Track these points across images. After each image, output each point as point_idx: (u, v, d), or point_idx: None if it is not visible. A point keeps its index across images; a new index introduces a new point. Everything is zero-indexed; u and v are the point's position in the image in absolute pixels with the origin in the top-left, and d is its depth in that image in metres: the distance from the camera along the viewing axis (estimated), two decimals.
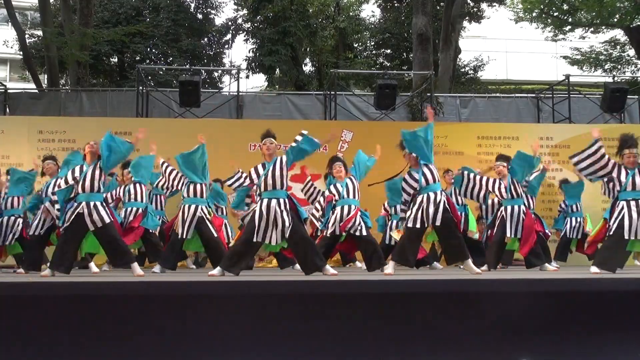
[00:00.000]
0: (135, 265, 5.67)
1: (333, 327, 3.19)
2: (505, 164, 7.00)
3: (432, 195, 5.63)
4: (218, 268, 5.44)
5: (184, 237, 6.49)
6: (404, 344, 3.24)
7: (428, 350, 3.23)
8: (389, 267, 5.78)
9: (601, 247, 6.08)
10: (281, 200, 5.40)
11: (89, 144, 5.71)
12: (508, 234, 6.78)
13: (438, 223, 5.60)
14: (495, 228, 6.96)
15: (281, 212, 5.35)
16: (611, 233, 5.78)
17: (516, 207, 6.80)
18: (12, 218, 7.06)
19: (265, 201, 5.39)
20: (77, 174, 5.56)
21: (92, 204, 5.45)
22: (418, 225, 5.66)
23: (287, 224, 5.34)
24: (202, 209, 6.53)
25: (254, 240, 5.40)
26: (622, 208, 5.70)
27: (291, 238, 5.42)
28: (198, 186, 6.61)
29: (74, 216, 5.43)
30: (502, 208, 6.89)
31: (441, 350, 3.24)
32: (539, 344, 3.29)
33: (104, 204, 5.62)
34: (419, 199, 5.71)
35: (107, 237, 5.51)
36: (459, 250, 5.71)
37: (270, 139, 5.61)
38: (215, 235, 6.54)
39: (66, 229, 5.51)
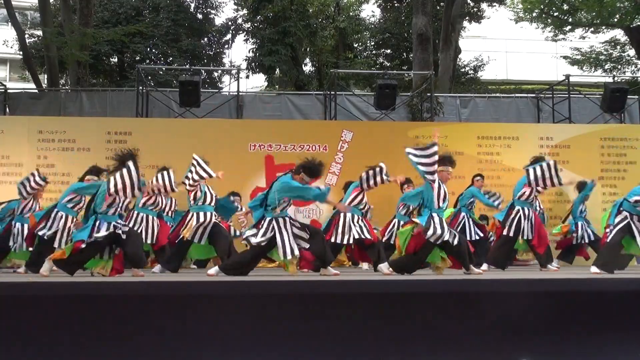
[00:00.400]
0: None
1: (333, 327, 3.19)
2: None
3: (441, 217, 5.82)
4: (216, 268, 5.59)
5: (197, 242, 6.67)
6: (404, 344, 3.24)
7: (428, 350, 3.23)
8: (384, 267, 5.91)
9: (604, 248, 6.12)
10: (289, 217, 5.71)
11: None
12: (524, 236, 6.79)
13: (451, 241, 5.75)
14: (510, 228, 6.88)
15: (294, 224, 5.61)
16: (613, 236, 5.91)
17: (530, 209, 6.90)
18: (25, 225, 7.07)
19: (280, 220, 5.54)
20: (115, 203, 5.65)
21: (119, 222, 5.59)
22: (439, 241, 5.66)
23: (306, 236, 5.59)
24: (213, 215, 6.82)
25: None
26: (626, 217, 5.98)
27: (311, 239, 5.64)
28: (209, 195, 6.84)
29: (106, 234, 5.43)
30: (518, 209, 6.88)
31: (441, 350, 3.24)
32: (539, 344, 3.29)
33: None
34: (437, 218, 5.70)
35: (132, 241, 5.62)
36: (466, 253, 5.89)
37: None
38: (229, 236, 6.94)
39: (91, 244, 5.45)
